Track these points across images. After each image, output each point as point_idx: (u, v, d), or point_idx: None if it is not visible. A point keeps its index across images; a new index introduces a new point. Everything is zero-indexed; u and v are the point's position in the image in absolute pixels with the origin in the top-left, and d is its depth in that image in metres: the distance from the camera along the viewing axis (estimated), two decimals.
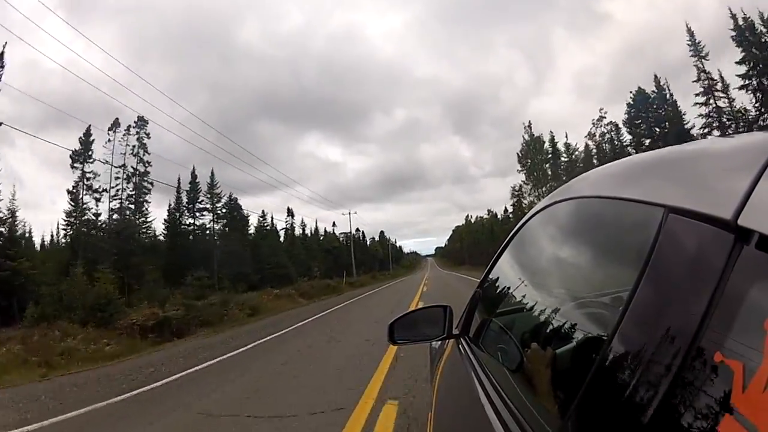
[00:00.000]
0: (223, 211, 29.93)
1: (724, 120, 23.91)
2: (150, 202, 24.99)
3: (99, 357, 8.71)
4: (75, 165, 22.14)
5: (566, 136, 39.10)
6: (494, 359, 1.12)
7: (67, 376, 7.03)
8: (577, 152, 34.10)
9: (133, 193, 24.36)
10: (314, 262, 37.60)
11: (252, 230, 33.93)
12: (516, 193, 38.23)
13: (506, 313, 1.24)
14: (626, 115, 29.25)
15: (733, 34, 22.84)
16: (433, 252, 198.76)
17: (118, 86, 29.11)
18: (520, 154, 37.13)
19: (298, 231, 43.52)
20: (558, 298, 0.86)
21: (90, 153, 22.44)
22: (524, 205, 34.73)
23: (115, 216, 23.34)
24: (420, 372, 4.42)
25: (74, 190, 22.19)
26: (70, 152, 21.54)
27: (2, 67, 17.49)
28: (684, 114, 26.51)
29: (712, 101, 24.57)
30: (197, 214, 28.48)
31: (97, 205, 22.71)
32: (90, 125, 22.16)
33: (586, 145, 32.91)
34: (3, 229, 18.04)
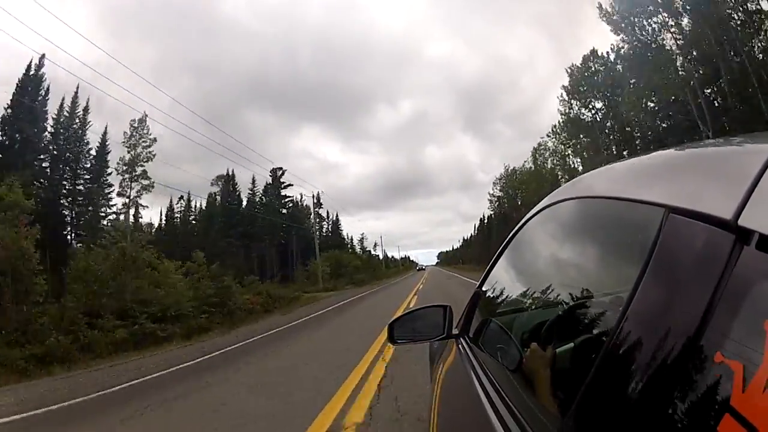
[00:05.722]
0: None
1: None
2: None
3: None
4: None
5: None
6: (494, 359, 1.12)
7: None
8: None
9: None
10: None
11: None
12: None
13: (506, 313, 1.24)
14: None
15: None
16: (435, 261, 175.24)
17: (92, 71, 27.73)
18: None
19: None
20: (558, 298, 0.86)
21: None
22: None
23: None
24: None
25: None
26: None
27: None
28: None
29: None
30: None
31: None
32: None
33: None
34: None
